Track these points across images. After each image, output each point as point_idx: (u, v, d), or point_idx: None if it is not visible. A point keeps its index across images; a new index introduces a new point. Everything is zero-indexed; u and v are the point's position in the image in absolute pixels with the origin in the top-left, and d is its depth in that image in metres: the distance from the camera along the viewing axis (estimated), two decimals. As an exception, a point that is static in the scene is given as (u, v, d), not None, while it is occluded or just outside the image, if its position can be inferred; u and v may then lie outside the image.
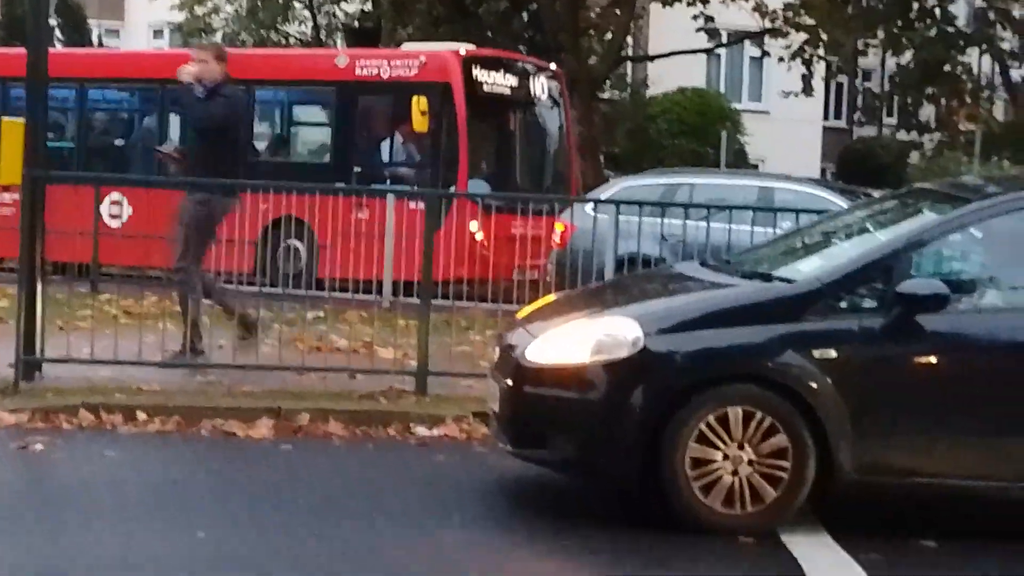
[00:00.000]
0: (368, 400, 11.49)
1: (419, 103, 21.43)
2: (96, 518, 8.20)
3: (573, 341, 8.56)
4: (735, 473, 8.24)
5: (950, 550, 8.25)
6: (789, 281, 8.67)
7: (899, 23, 29.65)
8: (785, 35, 31.57)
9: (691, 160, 35.16)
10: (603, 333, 8.50)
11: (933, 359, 8.48)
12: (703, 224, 13.68)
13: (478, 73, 22.41)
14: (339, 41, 39.25)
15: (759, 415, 8.23)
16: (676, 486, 8.23)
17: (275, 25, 39.96)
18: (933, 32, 29.26)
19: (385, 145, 22.82)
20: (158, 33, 47.71)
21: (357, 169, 22.26)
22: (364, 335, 13.39)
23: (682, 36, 33.39)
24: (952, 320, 8.47)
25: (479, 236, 18.18)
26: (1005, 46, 31.92)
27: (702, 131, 36.97)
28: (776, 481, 8.25)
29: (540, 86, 23.89)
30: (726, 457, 8.23)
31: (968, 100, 33.05)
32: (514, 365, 8.74)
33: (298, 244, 21.11)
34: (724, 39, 35.79)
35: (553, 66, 25.01)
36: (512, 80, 23.31)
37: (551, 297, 10.61)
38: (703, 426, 8.21)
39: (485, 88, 22.51)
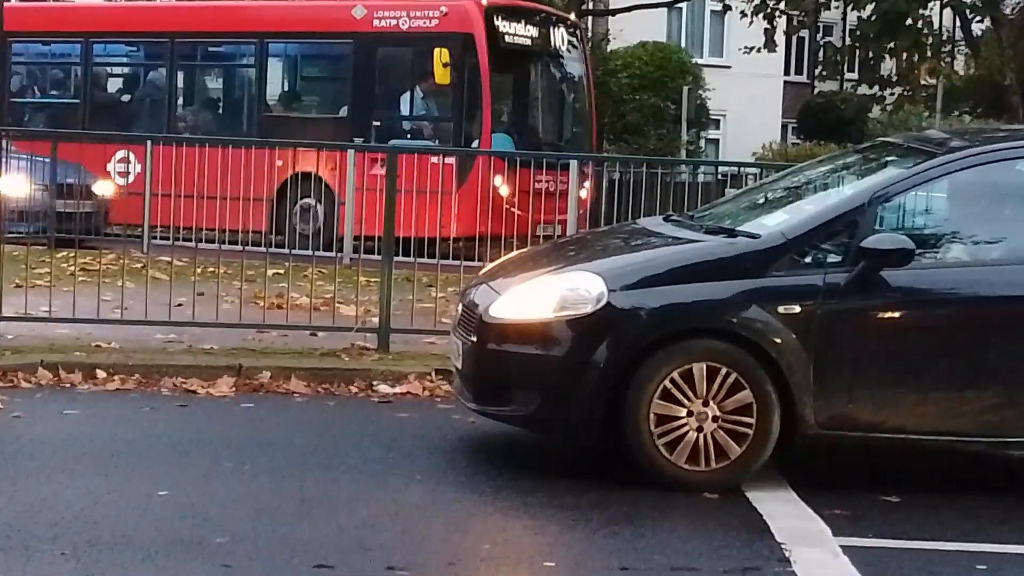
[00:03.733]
0: (330, 357, 11.45)
1: (441, 55, 21.11)
2: (56, 476, 8.13)
3: (537, 297, 8.53)
4: (700, 429, 8.22)
5: (912, 504, 8.26)
6: (753, 236, 8.63)
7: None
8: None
9: (651, 115, 35.14)
10: (567, 289, 8.46)
11: (897, 314, 8.48)
12: None
13: (500, 23, 21.99)
14: None
15: (723, 371, 8.22)
16: (640, 443, 8.22)
17: None
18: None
19: (405, 99, 22.45)
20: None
21: (376, 124, 21.97)
22: (325, 292, 13.33)
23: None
24: (916, 275, 8.45)
25: (504, 191, 17.81)
26: (966, -1, 31.85)
27: (663, 85, 36.91)
28: (740, 437, 8.23)
29: (560, 36, 23.45)
30: (690, 413, 8.21)
31: (929, 54, 33.02)
32: (477, 321, 8.70)
33: (314, 202, 20.70)
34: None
35: (573, 16, 24.70)
36: (533, 31, 22.86)
37: (514, 253, 10.56)
38: (667, 382, 8.19)
39: (507, 39, 22.11)
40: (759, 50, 31.78)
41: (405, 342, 11.95)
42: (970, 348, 8.45)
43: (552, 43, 23.21)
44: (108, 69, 26.00)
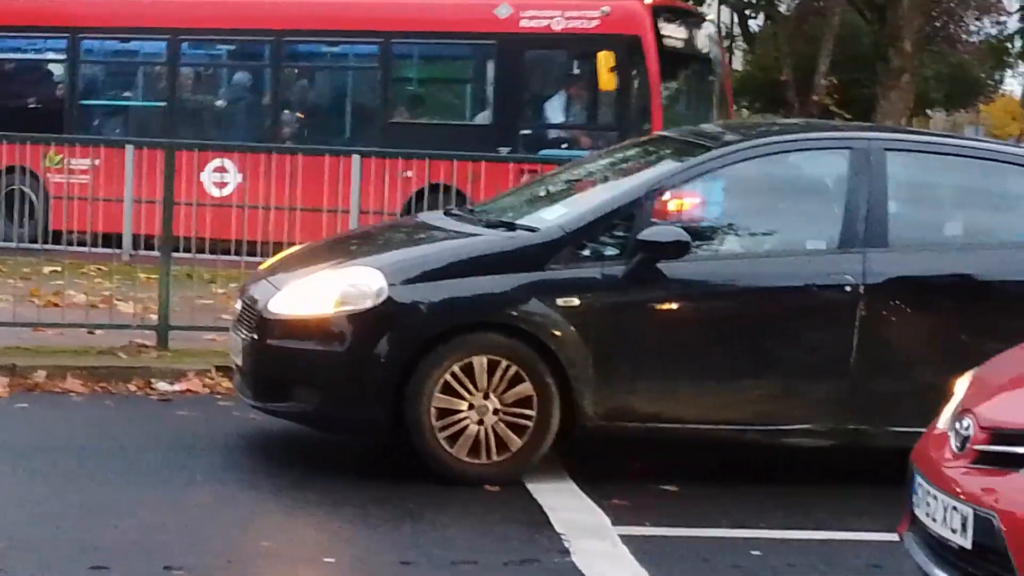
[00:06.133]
0: (107, 355, 11.24)
1: (606, 59, 19.28)
2: None
3: (317, 292, 8.48)
4: (480, 423, 8.25)
5: (691, 494, 8.39)
6: (533, 230, 8.68)
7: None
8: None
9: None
10: (347, 284, 8.43)
11: (674, 305, 8.60)
12: None
13: (663, 24, 20.24)
14: None
15: (504, 364, 8.25)
16: (422, 437, 8.22)
17: None
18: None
19: (558, 105, 20.48)
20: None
21: (524, 132, 20.07)
22: (104, 289, 13.09)
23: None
24: (692, 267, 8.57)
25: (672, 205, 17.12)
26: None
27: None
28: (521, 430, 8.28)
29: (707, 36, 22.19)
30: (471, 407, 8.24)
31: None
32: (257, 317, 8.62)
33: None
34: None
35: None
36: (689, 31, 21.33)
37: (296, 248, 10.48)
38: (448, 376, 8.20)
39: (669, 41, 20.33)
40: None
41: (185, 339, 11.78)
42: (745, 339, 8.60)
43: (703, 43, 21.78)
44: (201, 70, 23.45)
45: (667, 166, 9.13)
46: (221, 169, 19.14)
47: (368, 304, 8.30)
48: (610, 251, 8.52)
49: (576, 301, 8.34)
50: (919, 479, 5.91)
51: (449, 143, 17.07)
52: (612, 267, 8.44)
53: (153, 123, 21.77)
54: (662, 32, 19.97)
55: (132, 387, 10.67)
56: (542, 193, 9.82)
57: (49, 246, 15.10)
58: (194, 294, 12.48)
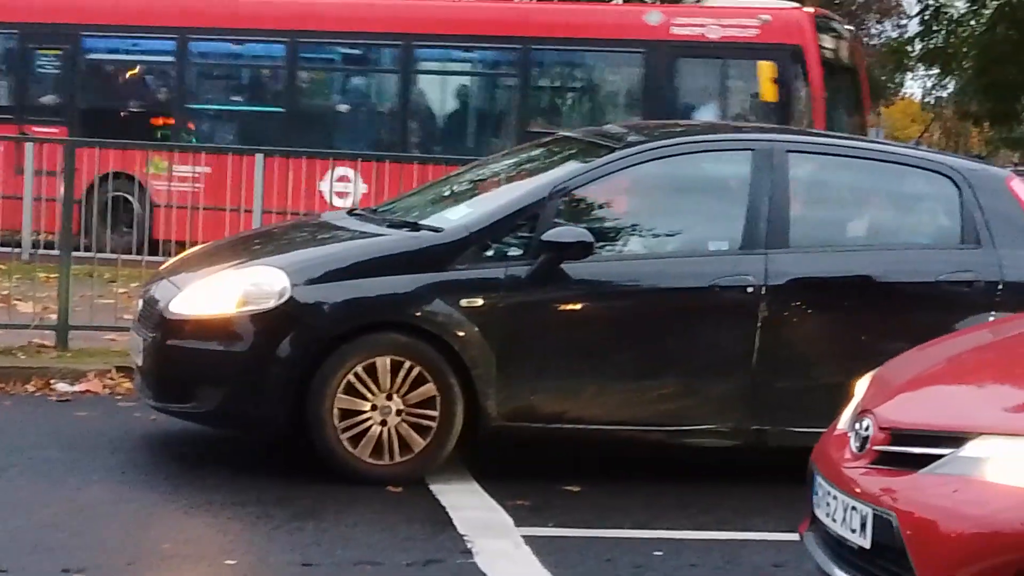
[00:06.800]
0: (5, 356, 11.11)
1: (768, 69, 18.89)
2: None
3: (218, 292, 8.42)
4: (384, 423, 8.23)
5: (594, 494, 8.40)
6: (437, 230, 8.67)
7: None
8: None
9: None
10: (249, 283, 8.38)
11: (577, 306, 8.61)
12: None
13: (822, 34, 19.79)
14: None
15: (407, 364, 8.24)
16: (324, 437, 8.19)
17: None
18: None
19: (710, 115, 19.61)
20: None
21: None
22: (2, 289, 12.92)
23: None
24: (596, 267, 8.60)
25: None
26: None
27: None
28: (424, 430, 8.26)
29: (853, 46, 21.56)
30: (374, 407, 8.22)
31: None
32: (157, 317, 8.56)
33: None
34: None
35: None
36: (842, 41, 20.86)
37: (198, 247, 10.41)
38: (351, 376, 8.18)
39: (827, 51, 19.92)
40: None
41: (86, 339, 11.67)
42: (648, 339, 8.64)
43: (851, 54, 21.33)
44: (321, 74, 22.70)
45: (571, 167, 9.14)
46: (345, 179, 16.96)
47: (271, 304, 8.26)
48: (514, 251, 8.53)
49: (480, 301, 8.34)
50: (819, 479, 5.94)
51: None
52: (516, 267, 8.44)
53: (267, 129, 21.06)
54: (823, 42, 19.54)
55: (31, 388, 10.55)
56: (447, 193, 9.80)
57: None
58: (94, 293, 12.35)
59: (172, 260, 9.87)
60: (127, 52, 22.41)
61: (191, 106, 21.74)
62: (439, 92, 21.93)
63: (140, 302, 9.06)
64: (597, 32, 20.23)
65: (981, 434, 5.38)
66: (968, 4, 36.34)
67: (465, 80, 22.07)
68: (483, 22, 20.45)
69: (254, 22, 21.26)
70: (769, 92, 18.91)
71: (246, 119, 21.91)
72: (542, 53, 20.73)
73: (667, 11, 20.36)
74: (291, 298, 8.25)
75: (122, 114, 21.50)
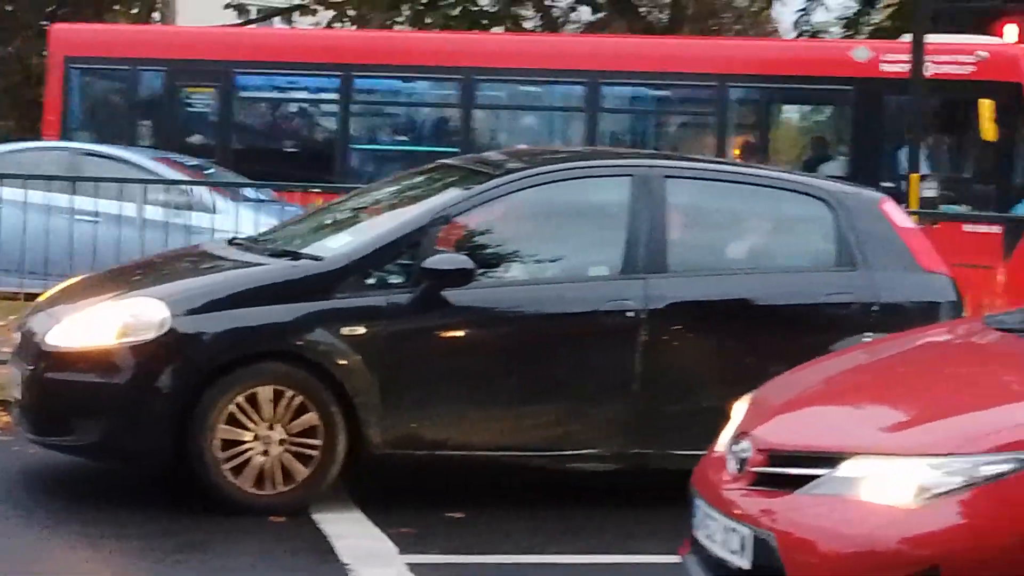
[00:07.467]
0: None
1: (987, 107, 18.12)
2: None
3: (97, 324, 8.35)
4: (266, 453, 8.20)
5: (479, 520, 8.40)
6: (318, 259, 8.66)
7: (424, 0, 30.11)
8: (314, 12, 31.64)
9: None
10: (129, 315, 8.32)
11: (460, 333, 8.64)
12: None
13: None
14: None
15: (289, 393, 8.22)
16: (206, 469, 8.15)
17: None
18: (458, 11, 29.83)
19: (919, 156, 18.57)
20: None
21: (887, 184, 18.10)
22: None
23: (211, 13, 33.01)
24: (477, 294, 8.62)
25: None
26: (528, 24, 32.70)
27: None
28: (307, 459, 8.24)
29: None
30: (257, 437, 8.18)
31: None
32: (36, 350, 8.47)
33: None
34: (254, 15, 35.58)
35: None
36: None
37: (77, 278, 10.30)
38: (232, 407, 8.15)
39: None
40: None
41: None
42: (530, 365, 8.67)
43: None
44: (499, 112, 22.05)
45: (451, 194, 9.16)
46: None
47: (151, 335, 8.20)
48: (395, 279, 8.54)
49: (362, 329, 8.34)
50: (699, 501, 6.00)
51: None
52: (397, 295, 8.46)
53: None
54: None
55: (-94, 423, 10.38)
56: (328, 222, 9.78)
57: None
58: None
59: (51, 291, 9.76)
60: (284, 90, 22.04)
61: (354, 146, 21.35)
62: (628, 130, 21.57)
63: (18, 334, 8.97)
64: (801, 69, 19.80)
65: (856, 454, 5.46)
66: None
67: (657, 119, 21.72)
68: (679, 59, 19.63)
69: (426, 59, 20.79)
70: (989, 130, 18.38)
71: (418, 161, 21.66)
72: (740, 90, 20.28)
73: (875, 47, 19.77)
74: (171, 329, 8.20)
75: (275, 153, 21.07)
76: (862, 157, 19.45)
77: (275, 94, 22.28)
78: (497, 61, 20.70)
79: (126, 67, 21.57)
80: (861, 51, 19.58)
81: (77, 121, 21.99)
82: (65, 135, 20.90)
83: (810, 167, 19.48)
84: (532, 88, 21.53)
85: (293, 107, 22.49)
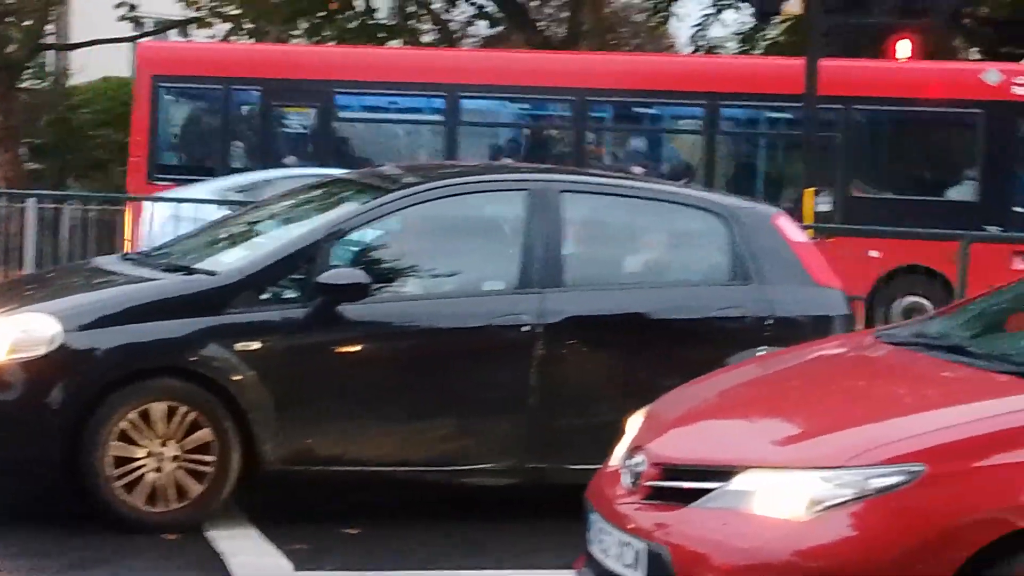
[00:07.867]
0: None
1: None
2: None
3: (-13, 339, 8.24)
4: (159, 470, 8.12)
5: (374, 535, 8.38)
6: (212, 273, 8.59)
7: (322, 14, 30.01)
8: (209, 25, 31.44)
9: (117, 150, 34.49)
10: (19, 330, 8.22)
11: (354, 348, 8.60)
12: None
13: None
14: None
15: (183, 409, 8.16)
16: (98, 485, 8.07)
17: None
18: (355, 24, 29.75)
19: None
20: None
21: (1018, 210, 18.58)
22: None
23: (106, 25, 32.72)
24: (373, 308, 8.60)
25: None
26: (426, 38, 32.67)
27: (127, 120, 36.33)
28: (201, 476, 8.18)
29: None
30: (150, 454, 8.11)
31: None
32: (-76, 366, 8.34)
33: (923, 301, 17.63)
34: (150, 27, 35.27)
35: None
36: None
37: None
38: (125, 423, 8.07)
39: None
40: None
41: None
42: (425, 380, 8.64)
43: None
44: (613, 134, 21.95)
45: (347, 208, 9.13)
46: None
47: (41, 351, 8.11)
48: (290, 294, 8.49)
49: (256, 345, 8.29)
50: (593, 516, 6.01)
51: (919, 220, 15.93)
52: (292, 310, 8.42)
53: None
54: None
55: None
56: (223, 236, 9.71)
57: None
58: None
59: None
60: (384, 110, 21.77)
61: None
62: (749, 151, 21.44)
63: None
64: (928, 92, 19.46)
65: (748, 468, 5.49)
66: None
67: (779, 140, 21.56)
68: (799, 81, 18.91)
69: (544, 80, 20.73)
70: None
71: None
72: (864, 113, 20.03)
73: (1006, 70, 19.57)
74: (62, 344, 8.11)
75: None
76: (996, 182, 19.33)
77: (376, 114, 22.12)
78: (602, 83, 20.66)
79: (219, 86, 21.41)
80: (992, 74, 19.45)
81: (166, 142, 21.95)
82: (152, 155, 20.90)
83: (937, 191, 19.69)
84: (646, 109, 21.65)
85: (396, 127, 22.35)
